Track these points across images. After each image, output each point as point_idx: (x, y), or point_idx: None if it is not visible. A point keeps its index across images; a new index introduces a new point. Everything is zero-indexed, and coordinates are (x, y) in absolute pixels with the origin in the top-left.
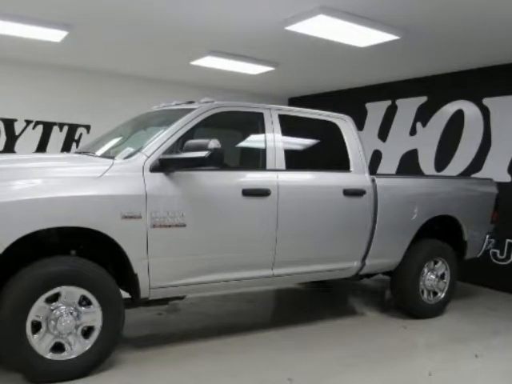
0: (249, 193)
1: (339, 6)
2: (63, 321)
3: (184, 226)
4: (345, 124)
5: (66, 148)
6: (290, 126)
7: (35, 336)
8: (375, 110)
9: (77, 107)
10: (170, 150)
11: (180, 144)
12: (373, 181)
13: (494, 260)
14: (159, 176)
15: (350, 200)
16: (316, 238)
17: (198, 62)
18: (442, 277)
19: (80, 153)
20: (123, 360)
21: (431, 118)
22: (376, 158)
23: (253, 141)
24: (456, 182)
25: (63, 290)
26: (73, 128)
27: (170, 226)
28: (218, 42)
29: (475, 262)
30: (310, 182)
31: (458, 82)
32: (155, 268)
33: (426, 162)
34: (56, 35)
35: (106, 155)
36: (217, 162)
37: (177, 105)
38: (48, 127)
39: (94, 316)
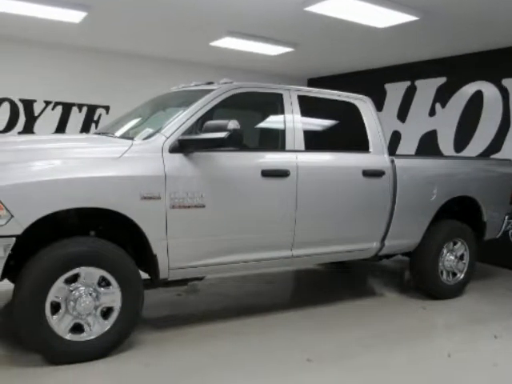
0: (268, 173)
1: None
2: (82, 301)
3: (203, 206)
4: (364, 105)
5: (85, 129)
6: (309, 107)
7: (54, 317)
8: (394, 91)
9: (96, 88)
10: (189, 130)
11: (199, 125)
12: (392, 161)
13: None
14: (178, 157)
15: (369, 181)
16: (335, 219)
17: (216, 42)
18: (461, 258)
19: (99, 134)
20: (142, 341)
21: (450, 98)
22: (395, 139)
23: (272, 122)
24: (475, 162)
25: (82, 270)
26: (92, 109)
27: (189, 206)
28: (236, 22)
29: (494, 243)
30: (329, 162)
31: (477, 63)
32: (174, 249)
33: (446, 143)
34: (75, 16)
35: (125, 136)
36: (236, 142)
37: (196, 86)
38: (67, 108)
39: (113, 297)
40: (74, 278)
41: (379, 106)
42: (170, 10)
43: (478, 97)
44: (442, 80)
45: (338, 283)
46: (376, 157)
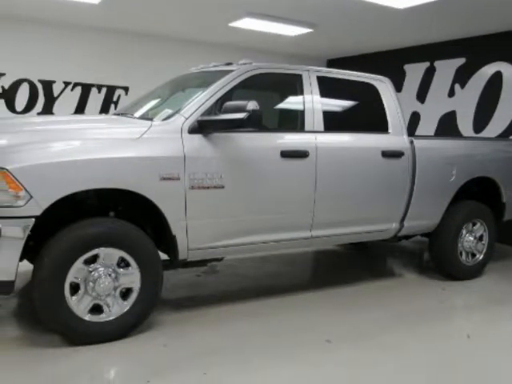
0: (287, 154)
1: None
2: (101, 282)
3: (222, 187)
4: (383, 85)
5: (104, 110)
6: (328, 88)
7: (73, 298)
8: (413, 72)
9: (115, 69)
10: (209, 111)
11: (218, 106)
12: (411, 142)
13: None
14: (197, 138)
15: (388, 162)
16: (354, 200)
17: (236, 23)
18: (481, 238)
19: (118, 114)
20: (161, 321)
21: (470, 79)
22: (414, 120)
23: (291, 102)
24: (494, 143)
25: (102, 251)
26: (111, 90)
27: (208, 187)
28: (256, 3)
29: None
30: (348, 143)
31: (497, 44)
32: (193, 229)
33: (465, 124)
34: None
35: (144, 117)
36: (255, 123)
37: (215, 66)
38: (86, 89)
39: (132, 277)
40: (94, 259)
41: (398, 86)
42: None
43: (497, 77)
44: (461, 61)
45: (357, 264)
46: (395, 138)
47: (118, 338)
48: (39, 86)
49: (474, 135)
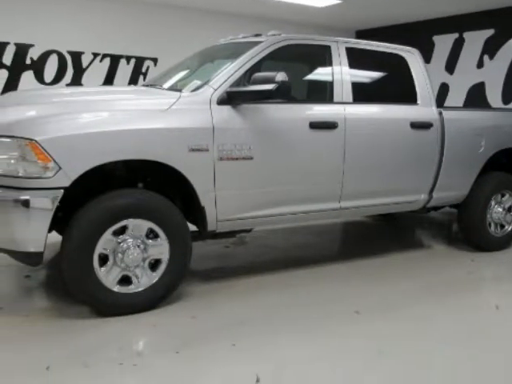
0: (316, 125)
1: None
2: (130, 253)
3: (251, 158)
4: (412, 57)
5: (133, 81)
6: (357, 59)
7: (102, 269)
8: (442, 43)
9: (144, 40)
10: (237, 82)
11: (247, 77)
12: (440, 114)
13: None
14: (226, 109)
15: (417, 133)
16: (383, 171)
17: None
18: (509, 210)
19: (147, 86)
20: (190, 293)
21: (498, 50)
22: (443, 91)
23: (320, 74)
24: None
25: (130, 222)
26: (140, 61)
27: (237, 158)
28: None
29: None
30: (377, 114)
31: None
32: (222, 201)
33: (494, 95)
34: None
35: (173, 88)
36: (284, 94)
37: (244, 38)
38: (115, 60)
39: (161, 249)
40: (122, 230)
41: (427, 58)
42: None
43: None
44: (490, 32)
45: (385, 235)
46: (424, 109)
47: (146, 309)
48: (68, 58)
49: (503, 106)
